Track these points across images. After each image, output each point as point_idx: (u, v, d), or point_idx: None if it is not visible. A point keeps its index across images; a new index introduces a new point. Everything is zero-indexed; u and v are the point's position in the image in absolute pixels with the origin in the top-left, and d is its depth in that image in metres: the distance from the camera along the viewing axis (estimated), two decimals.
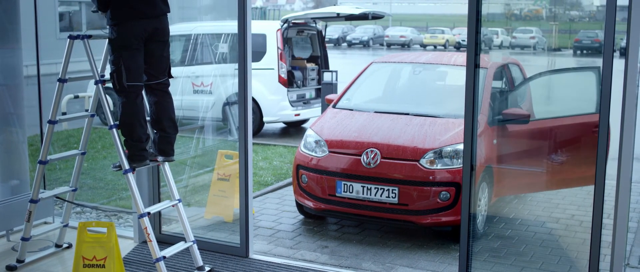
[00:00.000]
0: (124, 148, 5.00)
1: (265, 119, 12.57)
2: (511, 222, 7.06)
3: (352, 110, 7.53)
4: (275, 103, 12.49)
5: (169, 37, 5.17)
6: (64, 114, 10.38)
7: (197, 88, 9.75)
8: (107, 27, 4.93)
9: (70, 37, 5.06)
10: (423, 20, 58.70)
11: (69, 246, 5.93)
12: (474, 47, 4.81)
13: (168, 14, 5.12)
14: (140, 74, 4.95)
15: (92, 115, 5.49)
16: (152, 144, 5.19)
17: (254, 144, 5.91)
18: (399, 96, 8.13)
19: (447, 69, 8.29)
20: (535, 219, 7.19)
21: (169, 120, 5.18)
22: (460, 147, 6.17)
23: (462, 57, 8.38)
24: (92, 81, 5.10)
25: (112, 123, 4.92)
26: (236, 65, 5.68)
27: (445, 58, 9.09)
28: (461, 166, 6.01)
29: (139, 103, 4.94)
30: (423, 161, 6.39)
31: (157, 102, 5.12)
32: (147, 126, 5.11)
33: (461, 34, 43.32)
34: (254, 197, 8.05)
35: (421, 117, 7.06)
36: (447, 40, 44.77)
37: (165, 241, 5.81)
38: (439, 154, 6.43)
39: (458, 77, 7.65)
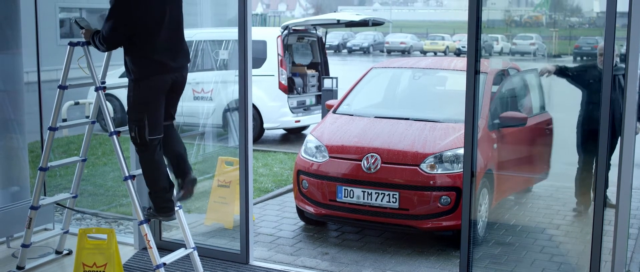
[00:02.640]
0: (150, 201, 4.92)
1: (265, 125, 12.57)
2: (512, 229, 7.05)
3: (352, 115, 7.53)
4: (276, 109, 12.50)
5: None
6: (64, 120, 10.40)
7: (197, 94, 9.77)
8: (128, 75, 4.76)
9: (70, 44, 5.06)
10: (423, 26, 58.74)
11: (69, 253, 5.92)
12: (474, 53, 4.82)
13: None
14: (161, 125, 4.82)
15: (93, 122, 5.48)
16: (178, 190, 5.06)
17: (254, 150, 5.90)
18: (399, 101, 8.14)
19: (447, 74, 8.30)
20: (536, 225, 7.19)
21: (183, 161, 5.09)
22: (461, 151, 6.16)
23: (461, 62, 8.39)
24: (93, 88, 5.09)
25: (112, 130, 4.91)
26: (236, 72, 5.68)
27: (445, 63, 9.10)
28: (461, 170, 6.01)
29: (158, 152, 4.82)
30: (423, 166, 6.39)
31: (164, 139, 4.97)
32: (168, 173, 4.97)
33: (461, 40, 43.33)
34: (255, 204, 8.04)
35: (421, 122, 7.06)
36: (447, 47, 44.79)
37: (166, 247, 5.80)
38: (440, 159, 6.43)
39: (458, 82, 7.65)
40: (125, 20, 4.55)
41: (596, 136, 6.34)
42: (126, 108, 4.79)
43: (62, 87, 5.10)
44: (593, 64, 6.61)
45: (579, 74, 6.62)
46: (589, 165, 6.71)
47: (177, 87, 4.90)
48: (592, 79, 6.47)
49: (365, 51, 46.44)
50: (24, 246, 5.44)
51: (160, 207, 4.87)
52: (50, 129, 5.19)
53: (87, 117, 5.54)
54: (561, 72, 6.58)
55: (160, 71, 4.69)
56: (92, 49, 5.07)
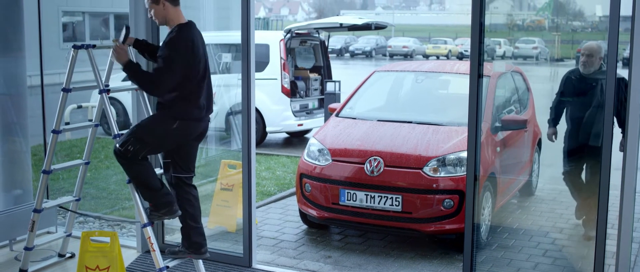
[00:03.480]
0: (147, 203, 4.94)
1: (268, 129, 12.56)
2: (515, 232, 7.05)
3: (355, 118, 7.53)
4: (278, 113, 12.49)
5: None
6: (67, 124, 10.40)
7: None
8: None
9: (74, 47, 5.06)
10: (425, 30, 58.74)
11: (72, 256, 5.92)
12: (477, 56, 4.82)
13: None
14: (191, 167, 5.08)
15: (96, 125, 5.48)
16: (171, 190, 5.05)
17: (257, 154, 5.91)
18: (402, 104, 8.14)
19: (449, 78, 8.30)
20: (538, 229, 7.18)
21: (198, 212, 5.13)
22: (464, 154, 6.16)
23: (464, 65, 8.38)
24: (95, 91, 5.10)
25: (116, 132, 4.91)
26: (239, 76, 5.68)
27: (448, 66, 9.11)
28: (464, 173, 6.01)
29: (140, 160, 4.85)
30: (426, 169, 6.39)
31: (185, 196, 5.05)
32: (155, 172, 5.00)
33: (464, 44, 43.32)
34: (257, 207, 8.04)
35: (424, 125, 7.05)
36: (450, 51, 44.77)
37: None
38: (443, 162, 6.42)
39: (460, 85, 7.65)
40: (183, 71, 4.68)
41: (582, 149, 6.37)
42: (133, 120, 4.83)
43: (66, 90, 5.10)
44: (564, 89, 6.52)
45: (561, 106, 6.56)
46: (573, 176, 6.68)
47: (203, 136, 5.06)
48: (571, 97, 6.49)
49: (367, 55, 46.43)
50: (27, 248, 5.44)
51: (159, 204, 4.89)
52: (54, 132, 5.19)
53: (90, 120, 5.53)
54: (555, 120, 6.62)
55: (198, 118, 4.87)
56: (96, 52, 5.07)
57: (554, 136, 6.60)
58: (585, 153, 6.45)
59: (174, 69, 4.64)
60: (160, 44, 4.89)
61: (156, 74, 4.64)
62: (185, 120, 4.80)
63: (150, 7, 4.83)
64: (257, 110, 12.18)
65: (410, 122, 7.17)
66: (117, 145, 4.76)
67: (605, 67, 5.51)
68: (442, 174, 6.39)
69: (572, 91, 6.45)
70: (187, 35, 4.75)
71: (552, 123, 6.63)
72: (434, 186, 6.34)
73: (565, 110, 6.51)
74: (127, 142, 4.73)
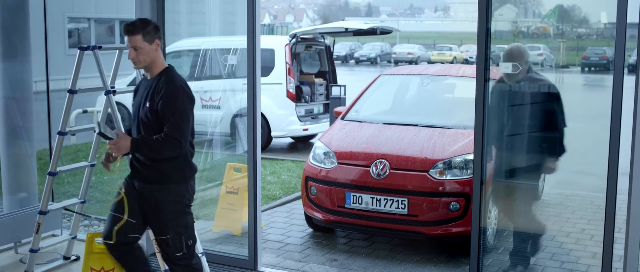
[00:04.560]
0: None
1: (273, 133, 12.56)
2: (521, 236, 7.01)
3: (360, 122, 7.51)
4: (284, 118, 12.49)
5: None
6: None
7: (205, 103, 9.75)
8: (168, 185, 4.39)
9: (80, 48, 5.07)
10: (430, 37, 58.78)
11: (77, 259, 5.91)
12: (484, 60, 4.82)
13: None
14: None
15: None
16: None
17: (262, 158, 5.89)
18: (408, 108, 8.12)
19: (455, 81, 8.28)
20: (545, 233, 7.14)
21: None
22: (470, 157, 6.14)
23: (470, 68, 8.36)
24: (100, 97, 5.10)
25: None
26: (245, 80, 5.68)
27: (453, 70, 9.08)
28: (471, 176, 5.98)
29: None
30: (432, 172, 6.37)
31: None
32: None
33: (469, 51, 43.34)
34: (263, 211, 8.02)
35: (430, 128, 7.04)
36: (455, 57, 44.79)
37: None
38: (449, 165, 6.40)
39: (466, 88, 7.63)
40: (190, 127, 4.36)
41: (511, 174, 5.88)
42: (162, 214, 4.42)
43: (72, 92, 5.11)
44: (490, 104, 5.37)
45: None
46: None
47: None
48: (499, 113, 5.59)
49: (372, 62, 46.45)
50: (32, 251, 5.43)
51: None
52: (60, 133, 5.20)
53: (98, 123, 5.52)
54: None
55: (192, 177, 4.52)
56: (101, 53, 5.07)
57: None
58: (515, 178, 5.84)
59: (189, 119, 4.30)
60: (149, 94, 4.34)
61: (178, 130, 4.22)
62: (188, 182, 4.45)
63: (138, 47, 4.26)
64: (262, 115, 12.18)
65: (416, 125, 7.15)
66: (176, 254, 4.42)
67: (535, 73, 5.20)
68: (448, 177, 6.37)
69: (499, 106, 5.54)
70: (182, 79, 4.38)
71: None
72: (440, 188, 6.32)
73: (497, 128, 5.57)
74: (180, 242, 4.41)
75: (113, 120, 4.98)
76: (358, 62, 46.85)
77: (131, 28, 4.22)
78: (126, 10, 20.78)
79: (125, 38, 4.25)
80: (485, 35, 4.81)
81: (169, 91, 4.23)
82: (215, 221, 7.01)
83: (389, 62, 46.51)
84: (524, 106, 5.65)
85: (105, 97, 5.17)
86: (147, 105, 4.28)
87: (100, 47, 5.05)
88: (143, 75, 4.55)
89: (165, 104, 4.21)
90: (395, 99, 8.25)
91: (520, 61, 5.35)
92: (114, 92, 5.07)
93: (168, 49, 6.11)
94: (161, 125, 4.24)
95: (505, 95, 5.57)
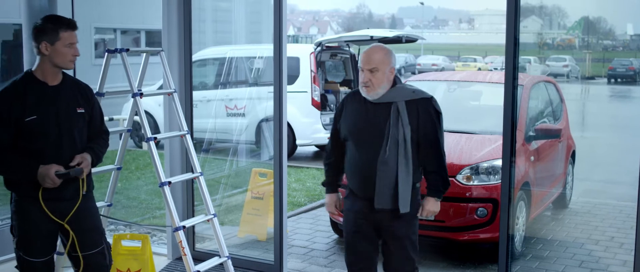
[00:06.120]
0: None
1: (298, 141, 12.55)
2: (549, 243, 6.95)
3: None
4: (308, 126, 12.47)
5: None
6: None
7: (230, 111, 9.78)
8: None
9: (108, 51, 5.10)
10: (455, 49, 58.60)
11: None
12: (513, 69, 4.78)
13: None
14: None
15: (128, 131, 5.50)
16: None
17: (287, 166, 5.88)
18: None
19: (481, 88, 8.22)
20: (573, 240, 7.09)
21: None
22: (497, 163, 6.08)
23: (497, 75, 8.31)
24: (126, 105, 5.11)
25: (149, 135, 4.91)
26: (269, 89, 5.68)
27: (480, 76, 9.03)
28: (498, 182, 5.92)
29: None
30: (459, 177, 6.30)
31: None
32: None
33: (493, 62, 43.13)
34: (288, 217, 7.99)
35: (456, 133, 6.98)
36: (479, 69, 44.56)
37: (199, 258, 5.77)
38: (476, 170, 6.34)
39: (493, 96, 7.58)
40: None
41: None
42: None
43: (100, 95, 5.13)
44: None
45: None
46: None
47: None
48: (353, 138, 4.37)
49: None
50: (58, 253, 5.43)
51: None
52: None
53: (129, 129, 5.54)
54: (334, 174, 4.50)
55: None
56: (127, 55, 5.10)
57: (335, 206, 4.53)
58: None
59: None
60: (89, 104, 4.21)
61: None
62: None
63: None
64: (287, 123, 12.16)
65: None
66: None
67: (407, 86, 4.18)
68: (476, 183, 6.30)
69: (354, 128, 4.16)
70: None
71: (329, 175, 4.47)
72: (467, 194, 6.26)
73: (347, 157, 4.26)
74: None
75: (140, 121, 4.99)
76: None
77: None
78: (152, 20, 20.96)
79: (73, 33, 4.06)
80: (513, 35, 4.78)
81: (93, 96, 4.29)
82: (240, 226, 7.01)
83: (413, 73, 46.42)
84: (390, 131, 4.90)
85: (130, 104, 5.19)
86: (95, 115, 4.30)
87: (127, 50, 5.07)
88: None
89: (98, 111, 4.34)
90: None
91: (386, 69, 4.12)
92: (141, 95, 5.08)
93: (194, 58, 6.14)
94: None
95: (368, 114, 4.37)
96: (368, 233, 4.24)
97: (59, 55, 3.95)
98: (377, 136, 4.02)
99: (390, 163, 4.00)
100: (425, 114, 4.11)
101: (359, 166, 4.13)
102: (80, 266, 4.17)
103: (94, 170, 5.55)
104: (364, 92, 4.07)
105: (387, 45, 4.20)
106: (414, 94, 4.10)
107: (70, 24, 4.00)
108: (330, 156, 4.40)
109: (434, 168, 4.19)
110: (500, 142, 4.95)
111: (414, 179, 4.11)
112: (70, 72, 4.24)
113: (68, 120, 4.01)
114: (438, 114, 4.17)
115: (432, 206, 4.26)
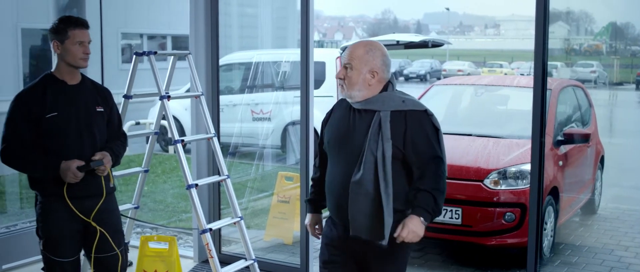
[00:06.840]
0: None
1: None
2: (578, 249, 6.88)
3: None
4: None
5: None
6: None
7: (256, 115, 9.80)
8: None
9: (136, 54, 5.13)
10: (480, 55, 58.31)
11: (130, 264, 5.93)
12: (542, 73, 4.73)
13: None
14: None
15: (156, 133, 5.53)
16: None
17: None
18: (461, 117, 8.02)
19: (509, 92, 8.17)
20: (603, 246, 7.00)
21: None
22: (525, 167, 6.03)
23: (525, 79, 8.26)
24: (153, 109, 5.13)
25: (176, 138, 4.93)
26: (295, 93, 5.68)
27: (508, 80, 8.97)
28: (526, 186, 5.87)
29: None
30: (487, 181, 6.26)
31: None
32: None
33: (520, 67, 42.85)
34: None
35: (484, 137, 6.94)
36: (505, 74, 44.32)
37: (225, 261, 5.78)
38: (503, 175, 6.29)
39: (521, 100, 7.53)
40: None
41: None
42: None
43: (127, 97, 5.16)
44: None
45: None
46: None
47: None
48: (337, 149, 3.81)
49: (422, 78, 46.20)
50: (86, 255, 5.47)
51: None
52: None
53: (156, 132, 5.57)
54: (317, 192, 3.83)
55: None
56: (155, 59, 5.13)
57: (316, 227, 3.87)
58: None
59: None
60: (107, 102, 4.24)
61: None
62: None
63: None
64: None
65: (470, 134, 7.06)
66: None
67: (397, 93, 3.52)
68: (503, 187, 6.25)
69: (332, 138, 3.59)
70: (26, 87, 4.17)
71: (312, 193, 3.84)
72: (495, 198, 6.21)
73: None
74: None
75: (167, 123, 5.00)
76: (407, 79, 46.69)
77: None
78: (179, 25, 21.07)
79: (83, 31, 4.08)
80: (543, 38, 4.73)
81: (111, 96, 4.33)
82: (266, 230, 7.01)
83: (439, 79, 46.29)
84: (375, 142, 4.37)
85: (157, 108, 5.22)
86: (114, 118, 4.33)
87: (155, 53, 5.09)
88: None
89: (116, 113, 4.36)
90: (448, 109, 8.16)
91: (365, 68, 3.63)
92: (169, 98, 5.09)
93: (220, 62, 6.17)
94: None
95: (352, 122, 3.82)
96: (344, 266, 3.58)
97: (70, 53, 4.00)
98: (356, 150, 3.39)
99: (365, 184, 3.33)
100: (417, 128, 3.42)
101: (333, 184, 3.50)
102: (91, 265, 4.25)
103: (121, 172, 5.62)
104: (340, 93, 3.52)
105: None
106: (404, 104, 3.42)
107: (78, 23, 4.05)
108: (316, 170, 3.78)
109: (426, 187, 3.39)
110: (528, 146, 4.90)
111: (399, 205, 3.40)
112: (87, 73, 4.28)
113: (88, 118, 4.07)
114: (436, 130, 3.49)
115: (415, 226, 3.35)
